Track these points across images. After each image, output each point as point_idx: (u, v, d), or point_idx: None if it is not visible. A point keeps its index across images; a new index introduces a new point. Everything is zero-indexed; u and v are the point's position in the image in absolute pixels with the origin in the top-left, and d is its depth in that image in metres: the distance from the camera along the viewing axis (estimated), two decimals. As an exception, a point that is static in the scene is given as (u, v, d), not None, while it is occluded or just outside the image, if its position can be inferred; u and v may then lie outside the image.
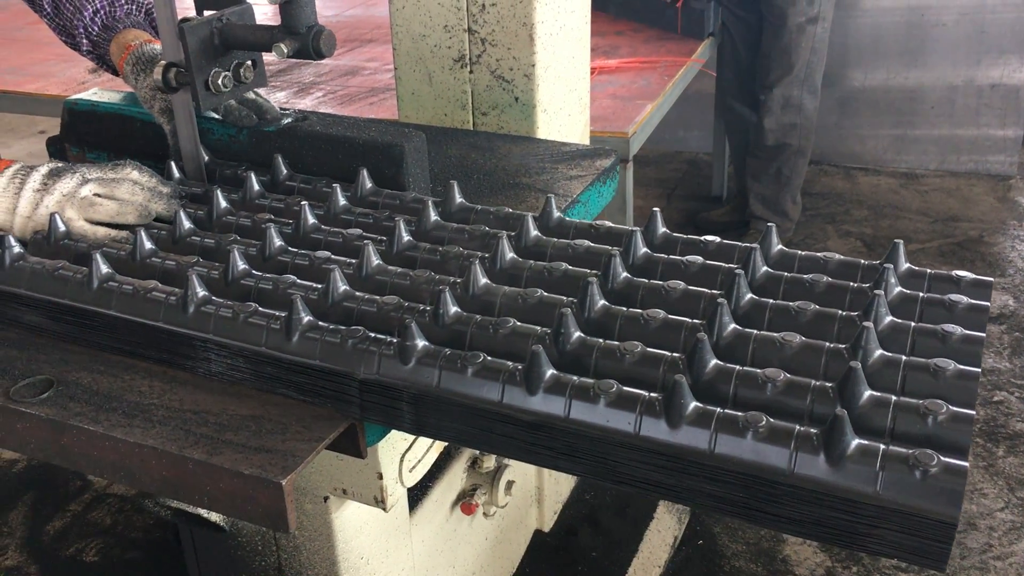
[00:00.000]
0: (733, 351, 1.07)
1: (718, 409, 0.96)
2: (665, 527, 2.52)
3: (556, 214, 1.41)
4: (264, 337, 1.15)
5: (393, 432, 1.43)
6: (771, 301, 1.15)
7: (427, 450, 1.54)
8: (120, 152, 1.74)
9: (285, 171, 1.59)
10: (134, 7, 1.69)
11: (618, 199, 2.89)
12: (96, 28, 1.66)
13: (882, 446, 0.90)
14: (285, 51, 1.36)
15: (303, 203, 1.41)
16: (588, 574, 2.35)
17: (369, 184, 1.52)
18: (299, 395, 1.15)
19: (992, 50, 4.54)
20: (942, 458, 0.87)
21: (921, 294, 1.16)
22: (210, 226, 1.45)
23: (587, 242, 1.33)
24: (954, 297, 1.14)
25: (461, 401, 1.06)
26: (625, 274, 1.23)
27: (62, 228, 1.39)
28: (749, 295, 1.16)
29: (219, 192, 1.46)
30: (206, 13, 1.44)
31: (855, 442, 0.90)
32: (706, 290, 1.19)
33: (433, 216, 1.40)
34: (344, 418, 1.13)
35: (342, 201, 1.47)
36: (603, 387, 1.00)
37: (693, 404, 0.96)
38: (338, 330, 1.13)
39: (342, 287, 1.20)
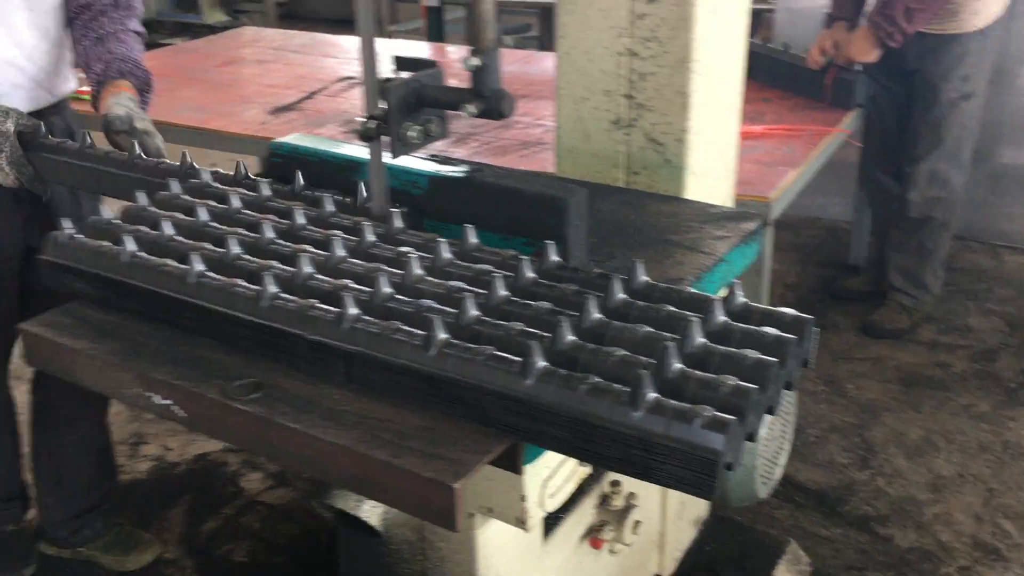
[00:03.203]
0: (598, 337, 1.34)
1: (562, 371, 1.24)
2: (784, 585, 2.56)
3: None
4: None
5: (539, 458, 1.58)
6: (640, 302, 1.41)
7: (567, 479, 1.67)
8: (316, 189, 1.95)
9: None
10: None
11: (755, 262, 2.98)
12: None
13: (673, 402, 1.17)
14: (473, 111, 1.53)
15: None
16: (704, 623, 2.41)
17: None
18: None
19: None
20: (713, 411, 1.14)
21: (759, 306, 1.40)
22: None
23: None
24: (787, 311, 1.39)
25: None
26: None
27: None
28: (621, 295, 1.43)
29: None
30: (402, 73, 1.64)
31: (654, 397, 1.18)
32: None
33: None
34: (507, 436, 1.28)
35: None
36: (482, 351, 1.28)
37: (544, 366, 1.25)
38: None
39: None
